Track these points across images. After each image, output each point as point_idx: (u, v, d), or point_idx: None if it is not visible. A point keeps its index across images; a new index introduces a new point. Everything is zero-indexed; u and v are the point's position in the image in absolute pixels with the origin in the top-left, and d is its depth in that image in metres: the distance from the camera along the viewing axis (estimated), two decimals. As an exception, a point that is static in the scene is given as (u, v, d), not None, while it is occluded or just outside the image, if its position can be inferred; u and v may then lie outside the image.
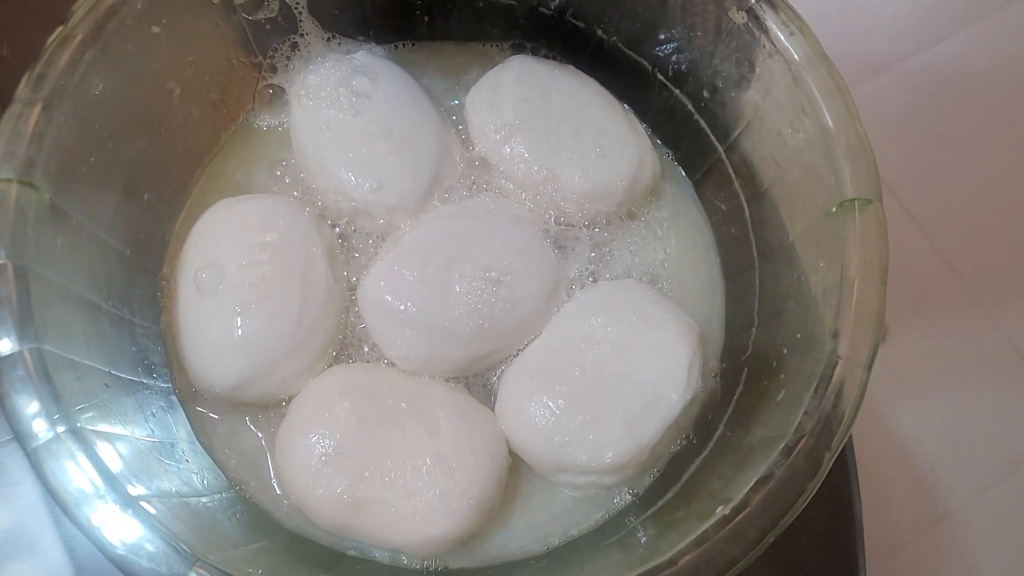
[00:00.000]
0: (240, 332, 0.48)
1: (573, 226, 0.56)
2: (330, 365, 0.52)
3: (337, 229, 0.55)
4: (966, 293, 1.36)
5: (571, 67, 0.61)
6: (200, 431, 0.50)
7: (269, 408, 0.51)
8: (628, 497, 0.51)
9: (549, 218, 0.56)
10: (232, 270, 0.49)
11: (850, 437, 0.47)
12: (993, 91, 1.50)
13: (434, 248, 0.51)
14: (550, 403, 0.49)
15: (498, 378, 0.53)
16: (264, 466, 0.50)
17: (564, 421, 0.48)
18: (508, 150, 0.56)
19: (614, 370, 0.50)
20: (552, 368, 0.50)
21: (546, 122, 0.56)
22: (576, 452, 0.48)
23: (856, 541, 0.54)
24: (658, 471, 0.51)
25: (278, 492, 0.50)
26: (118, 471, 0.39)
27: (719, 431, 0.50)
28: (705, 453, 0.49)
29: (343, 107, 0.54)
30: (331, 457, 0.46)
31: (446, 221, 0.53)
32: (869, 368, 0.42)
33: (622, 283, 0.55)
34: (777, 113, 0.51)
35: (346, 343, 0.53)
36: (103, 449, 0.40)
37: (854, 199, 0.45)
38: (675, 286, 0.56)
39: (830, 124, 0.47)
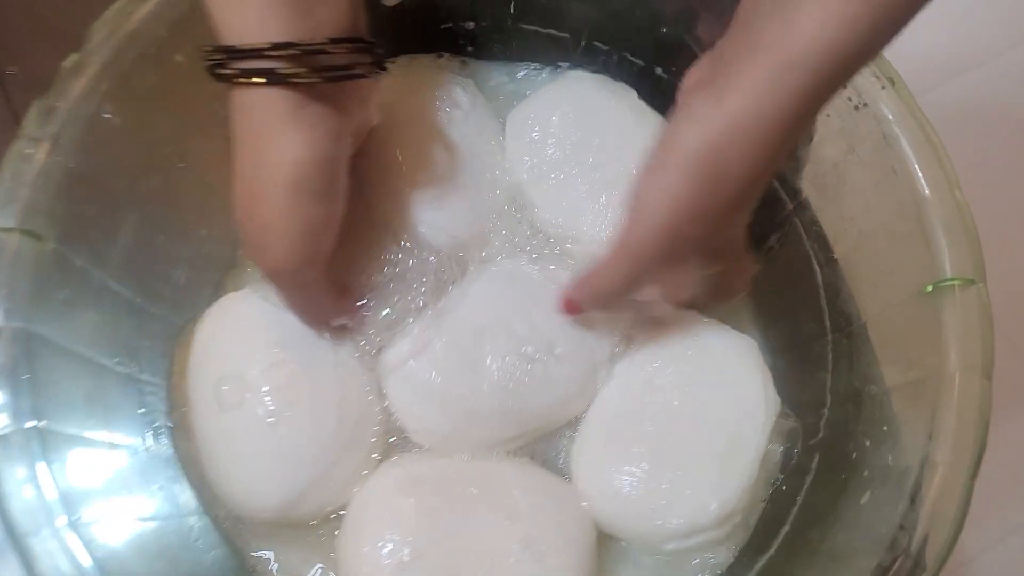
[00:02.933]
0: (279, 445, 0.43)
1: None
2: (384, 457, 0.46)
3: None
4: (1003, 339, 1.31)
5: (634, 93, 0.55)
6: (211, 504, 0.45)
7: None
8: (729, 554, 0.46)
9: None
10: (254, 376, 0.43)
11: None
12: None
13: (468, 313, 0.46)
14: (634, 469, 0.44)
15: (561, 454, 0.48)
16: (285, 543, 0.45)
17: (655, 484, 0.44)
18: (541, 189, 0.51)
19: (687, 413, 0.45)
20: (622, 430, 0.46)
21: (585, 159, 0.51)
22: (678, 513, 0.43)
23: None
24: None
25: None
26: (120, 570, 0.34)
27: (786, 527, 0.45)
28: (772, 552, 0.44)
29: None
30: (407, 563, 0.41)
31: (483, 282, 0.48)
32: (973, 476, 0.37)
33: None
34: (861, 173, 0.46)
35: (391, 428, 0.47)
36: (105, 541, 0.35)
37: (953, 279, 0.41)
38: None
39: (925, 191, 0.42)
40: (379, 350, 0.47)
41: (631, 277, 0.40)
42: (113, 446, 0.40)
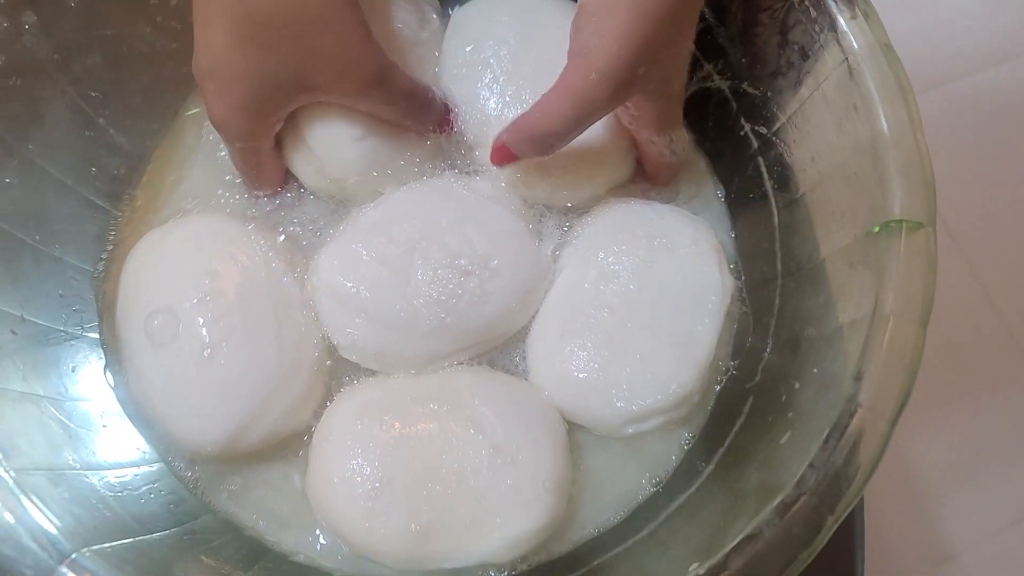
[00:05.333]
0: (217, 378, 0.41)
1: (552, 210, 0.49)
2: (327, 386, 0.46)
3: (282, 235, 0.48)
4: (1004, 332, 1.27)
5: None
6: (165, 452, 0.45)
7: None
8: (688, 435, 0.47)
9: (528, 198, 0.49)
10: (187, 309, 0.42)
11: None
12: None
13: (398, 227, 0.45)
14: (593, 358, 0.44)
15: (519, 360, 0.47)
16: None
17: (615, 371, 0.44)
18: (482, 94, 0.48)
19: (645, 298, 0.45)
20: (578, 320, 0.45)
21: (520, 68, 0.49)
22: (638, 398, 0.44)
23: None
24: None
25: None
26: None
27: (710, 467, 0.43)
28: (691, 491, 0.43)
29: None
30: (379, 490, 0.40)
31: (414, 197, 0.47)
32: (893, 423, 0.36)
33: (614, 208, 0.49)
34: (824, 110, 0.44)
35: (335, 356, 0.46)
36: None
37: (901, 220, 0.38)
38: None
39: (885, 129, 0.40)
40: (308, 265, 0.46)
41: (575, 120, 0.40)
42: (21, 319, 0.40)
